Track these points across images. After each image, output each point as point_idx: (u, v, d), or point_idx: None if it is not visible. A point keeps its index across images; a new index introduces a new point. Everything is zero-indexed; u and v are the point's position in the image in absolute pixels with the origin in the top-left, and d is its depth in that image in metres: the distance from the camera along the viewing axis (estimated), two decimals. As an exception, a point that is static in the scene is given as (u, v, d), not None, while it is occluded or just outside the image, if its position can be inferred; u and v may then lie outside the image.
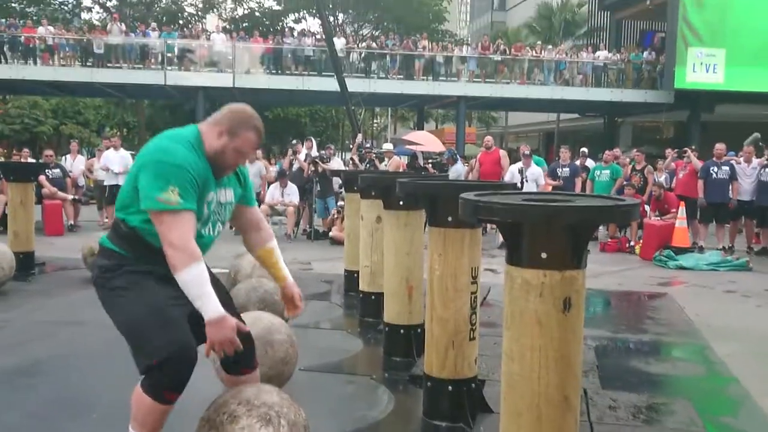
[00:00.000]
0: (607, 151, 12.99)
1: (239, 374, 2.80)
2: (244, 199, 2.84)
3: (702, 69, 21.62)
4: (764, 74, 21.24)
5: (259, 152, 14.50)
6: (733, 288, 8.08)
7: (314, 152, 12.73)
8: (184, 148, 2.49)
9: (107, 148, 13.39)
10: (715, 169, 10.89)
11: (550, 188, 11.75)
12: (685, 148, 12.05)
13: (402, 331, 4.63)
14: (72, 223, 12.33)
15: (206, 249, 2.66)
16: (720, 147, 11.10)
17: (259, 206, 12.40)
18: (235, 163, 2.65)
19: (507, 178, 11.63)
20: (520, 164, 11.83)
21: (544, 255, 2.31)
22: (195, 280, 2.42)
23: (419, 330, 4.55)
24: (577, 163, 13.35)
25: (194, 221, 2.49)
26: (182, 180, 2.42)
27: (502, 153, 13.32)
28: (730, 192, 10.84)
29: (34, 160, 12.95)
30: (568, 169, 12.38)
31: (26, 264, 7.60)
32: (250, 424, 2.50)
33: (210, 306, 2.43)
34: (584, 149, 14.44)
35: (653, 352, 5.33)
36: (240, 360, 2.72)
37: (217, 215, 2.68)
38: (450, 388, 3.53)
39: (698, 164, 11.19)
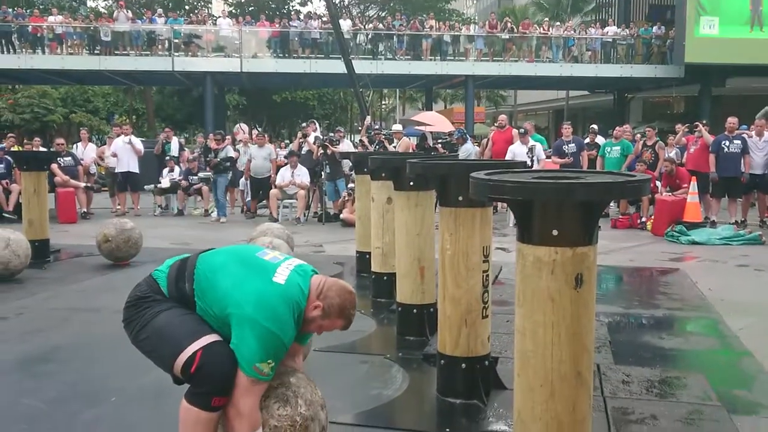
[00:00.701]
0: (617, 128, 12.89)
1: None
2: (300, 338, 2.80)
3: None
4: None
5: (268, 136, 14.54)
6: (746, 262, 8.05)
7: (317, 134, 12.75)
8: (294, 322, 2.52)
9: (118, 136, 13.46)
10: (727, 143, 10.81)
11: (556, 167, 11.70)
12: (696, 123, 11.95)
13: (415, 310, 4.67)
14: (85, 210, 12.43)
15: None
16: (732, 121, 11.00)
17: (271, 189, 12.44)
18: (312, 332, 2.72)
19: (508, 157, 11.58)
20: (519, 143, 11.85)
21: (555, 232, 2.32)
22: None
23: (432, 309, 4.57)
24: (587, 140, 13.28)
25: (264, 389, 2.54)
26: (280, 356, 2.51)
27: (515, 132, 13.28)
28: (742, 166, 10.76)
29: (45, 149, 13.00)
30: (573, 144, 12.31)
31: (41, 252, 7.68)
32: (267, 405, 2.54)
33: None
34: (594, 126, 14.35)
35: (666, 327, 5.34)
36: None
37: None
38: (463, 365, 3.56)
39: (710, 138, 11.11)
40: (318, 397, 2.68)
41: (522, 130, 12.31)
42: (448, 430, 3.32)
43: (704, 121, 12.18)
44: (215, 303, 2.53)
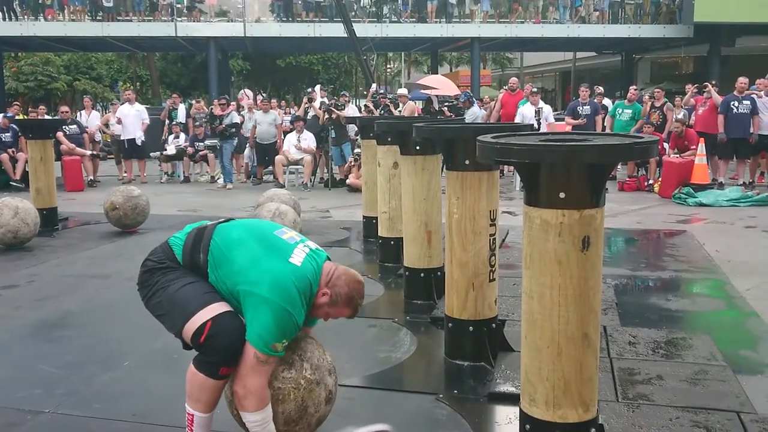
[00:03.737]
0: (632, 89, 12.72)
1: None
2: (307, 322, 2.80)
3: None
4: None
5: (273, 102, 14.47)
6: (754, 223, 8.03)
7: (321, 98, 12.69)
8: (306, 304, 2.54)
9: (126, 101, 13.45)
10: (736, 103, 10.70)
11: (569, 128, 11.64)
12: (705, 83, 11.81)
13: (422, 274, 4.69)
14: (92, 178, 12.47)
15: None
16: (743, 81, 10.87)
17: (276, 154, 12.42)
18: (319, 318, 2.74)
19: (517, 119, 11.53)
20: (528, 105, 11.77)
21: (562, 195, 2.32)
22: (260, 422, 2.51)
23: (439, 273, 4.60)
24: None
25: (273, 368, 2.57)
26: (293, 335, 2.55)
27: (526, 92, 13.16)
28: (751, 127, 10.67)
29: (49, 117, 12.99)
30: (588, 107, 12.23)
31: (50, 220, 7.74)
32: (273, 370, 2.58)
33: None
34: (599, 88, 14.21)
35: (672, 289, 5.36)
36: None
37: None
38: (471, 328, 3.60)
39: (719, 99, 11.00)
40: (326, 363, 2.71)
41: (534, 90, 12.20)
42: (456, 391, 3.37)
43: (713, 82, 12.04)
44: (229, 277, 2.56)
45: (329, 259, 2.72)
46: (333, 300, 2.61)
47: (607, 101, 13.49)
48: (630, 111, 12.03)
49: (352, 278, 2.66)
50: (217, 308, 2.52)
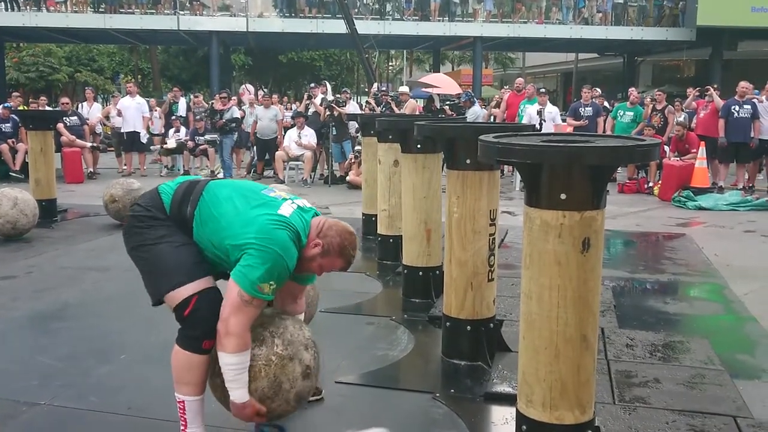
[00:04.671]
0: (634, 92, 12.70)
1: None
2: (302, 278, 2.83)
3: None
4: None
5: (275, 97, 14.45)
6: (753, 228, 8.04)
7: (329, 96, 12.64)
8: (296, 251, 2.53)
9: (127, 94, 13.43)
10: (737, 107, 10.70)
11: (570, 129, 11.64)
12: (707, 87, 11.81)
13: (421, 273, 4.69)
14: (91, 170, 12.45)
15: None
16: (745, 85, 10.88)
17: (277, 150, 12.41)
18: (313, 272, 2.73)
19: (525, 120, 11.53)
20: (537, 106, 11.74)
21: (563, 196, 2.31)
22: (237, 366, 2.50)
23: (438, 272, 4.60)
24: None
25: (259, 312, 2.56)
26: (282, 280, 2.53)
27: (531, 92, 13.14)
28: (752, 131, 10.67)
29: (50, 108, 12.98)
30: (590, 108, 12.23)
31: (49, 211, 7.72)
32: None
33: (239, 392, 2.53)
34: (598, 90, 14.20)
35: (671, 292, 5.36)
36: None
37: None
38: (468, 328, 3.59)
39: (720, 103, 11.00)
40: (303, 338, 2.67)
41: (542, 90, 12.18)
42: (452, 390, 3.36)
43: (715, 86, 12.04)
44: (215, 233, 2.56)
45: (318, 213, 2.72)
46: (325, 250, 2.61)
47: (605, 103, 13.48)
48: (631, 113, 12.03)
49: (343, 229, 2.66)
50: (204, 283, 2.54)
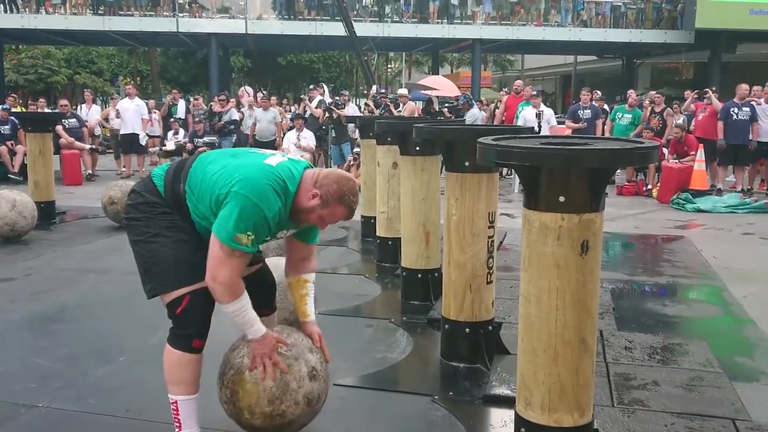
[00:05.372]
0: (633, 95, 12.72)
1: (259, 315, 2.87)
2: (305, 236, 2.81)
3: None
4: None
5: (273, 99, 14.45)
6: (751, 230, 8.04)
7: (327, 98, 12.64)
8: (280, 201, 2.47)
9: (126, 96, 13.43)
10: (736, 110, 10.72)
11: (569, 131, 11.65)
12: (706, 89, 11.82)
13: (419, 275, 4.69)
14: (90, 172, 12.44)
15: None
16: (744, 87, 10.89)
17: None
18: (314, 224, 2.67)
19: (520, 123, 11.54)
20: (530, 108, 11.78)
21: (562, 198, 2.31)
22: (238, 311, 2.49)
23: (436, 274, 4.60)
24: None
25: (247, 262, 2.54)
26: (261, 231, 2.46)
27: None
28: (751, 133, 10.69)
29: (49, 110, 12.98)
30: (589, 111, 12.25)
31: (47, 213, 7.72)
32: (250, 351, 2.60)
33: (252, 330, 2.54)
34: (597, 92, 14.21)
35: (669, 295, 5.36)
36: (260, 301, 2.81)
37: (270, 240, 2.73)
38: (467, 330, 3.59)
39: (719, 105, 11.00)
40: (306, 342, 2.70)
41: (534, 92, 12.25)
42: (451, 393, 3.36)
43: (713, 88, 12.06)
44: (203, 196, 2.52)
45: (311, 167, 2.66)
46: (324, 200, 2.53)
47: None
48: (630, 116, 12.06)
49: (340, 176, 2.60)
50: (198, 285, 2.52)
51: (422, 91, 18.68)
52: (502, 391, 3.31)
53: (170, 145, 13.07)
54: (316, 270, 2.90)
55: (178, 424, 2.61)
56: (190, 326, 2.54)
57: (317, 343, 2.77)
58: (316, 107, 12.38)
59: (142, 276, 2.64)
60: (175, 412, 2.60)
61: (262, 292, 2.87)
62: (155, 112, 14.16)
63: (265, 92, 19.57)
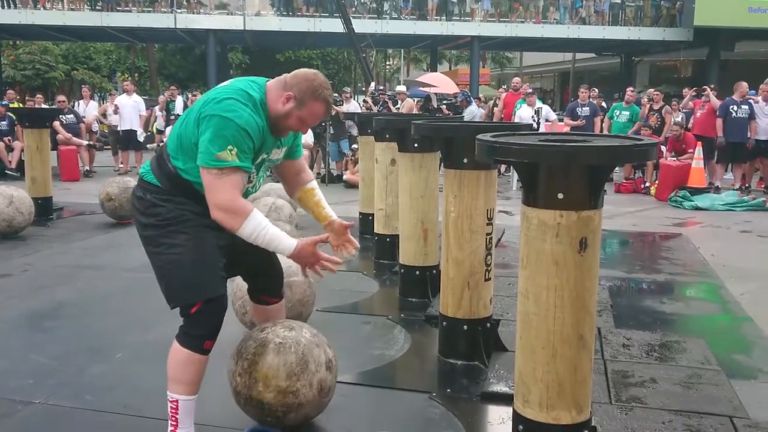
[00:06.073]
0: (629, 91, 12.72)
1: (266, 304, 2.93)
2: (290, 153, 2.78)
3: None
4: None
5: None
6: (749, 228, 8.05)
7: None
8: (249, 109, 2.42)
9: (124, 92, 13.41)
10: (735, 107, 10.73)
11: (567, 128, 11.64)
12: (704, 87, 11.83)
13: (417, 272, 4.68)
14: (88, 168, 12.43)
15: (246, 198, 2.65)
16: (744, 85, 10.90)
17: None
18: (296, 130, 2.62)
19: (515, 119, 11.53)
20: (525, 107, 11.78)
21: (560, 196, 2.31)
22: (257, 231, 2.45)
23: (434, 271, 4.59)
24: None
25: (244, 181, 2.49)
26: (241, 142, 2.40)
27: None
28: (749, 131, 10.69)
29: (47, 106, 12.96)
30: (587, 108, 12.25)
31: (45, 209, 7.70)
32: (274, 328, 2.75)
33: (282, 246, 2.52)
34: (596, 90, 14.20)
35: (667, 292, 5.36)
36: (267, 289, 2.87)
37: (265, 171, 2.69)
38: (465, 327, 3.59)
39: (717, 103, 11.01)
40: (324, 340, 2.84)
41: (529, 91, 12.26)
42: (449, 390, 3.36)
43: (712, 86, 12.06)
44: (187, 154, 2.48)
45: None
46: (299, 99, 2.48)
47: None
48: (627, 113, 12.05)
49: (306, 72, 2.55)
50: (213, 291, 2.50)
51: (421, 88, 18.66)
52: (500, 388, 3.30)
53: (168, 142, 13.03)
54: (313, 176, 2.97)
55: (174, 423, 2.58)
56: (203, 327, 2.50)
57: (347, 234, 2.86)
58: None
59: (159, 284, 2.58)
60: (173, 411, 2.57)
61: (271, 281, 2.90)
62: (160, 112, 14.15)
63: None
